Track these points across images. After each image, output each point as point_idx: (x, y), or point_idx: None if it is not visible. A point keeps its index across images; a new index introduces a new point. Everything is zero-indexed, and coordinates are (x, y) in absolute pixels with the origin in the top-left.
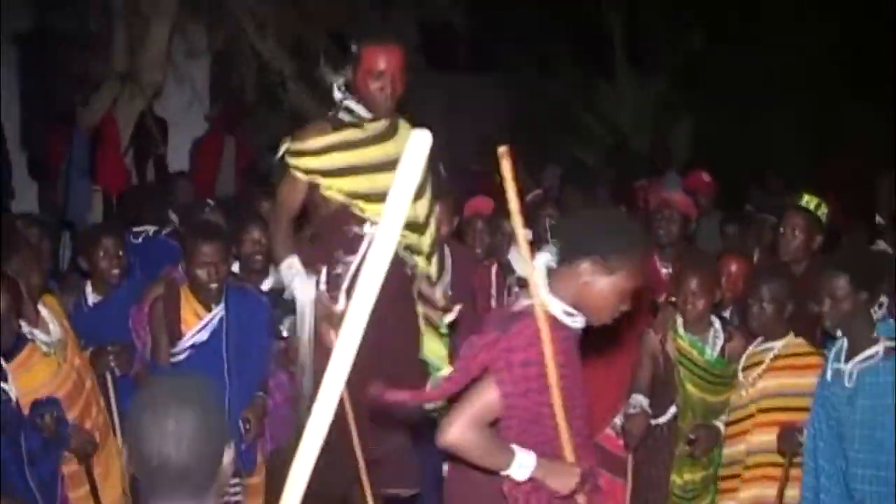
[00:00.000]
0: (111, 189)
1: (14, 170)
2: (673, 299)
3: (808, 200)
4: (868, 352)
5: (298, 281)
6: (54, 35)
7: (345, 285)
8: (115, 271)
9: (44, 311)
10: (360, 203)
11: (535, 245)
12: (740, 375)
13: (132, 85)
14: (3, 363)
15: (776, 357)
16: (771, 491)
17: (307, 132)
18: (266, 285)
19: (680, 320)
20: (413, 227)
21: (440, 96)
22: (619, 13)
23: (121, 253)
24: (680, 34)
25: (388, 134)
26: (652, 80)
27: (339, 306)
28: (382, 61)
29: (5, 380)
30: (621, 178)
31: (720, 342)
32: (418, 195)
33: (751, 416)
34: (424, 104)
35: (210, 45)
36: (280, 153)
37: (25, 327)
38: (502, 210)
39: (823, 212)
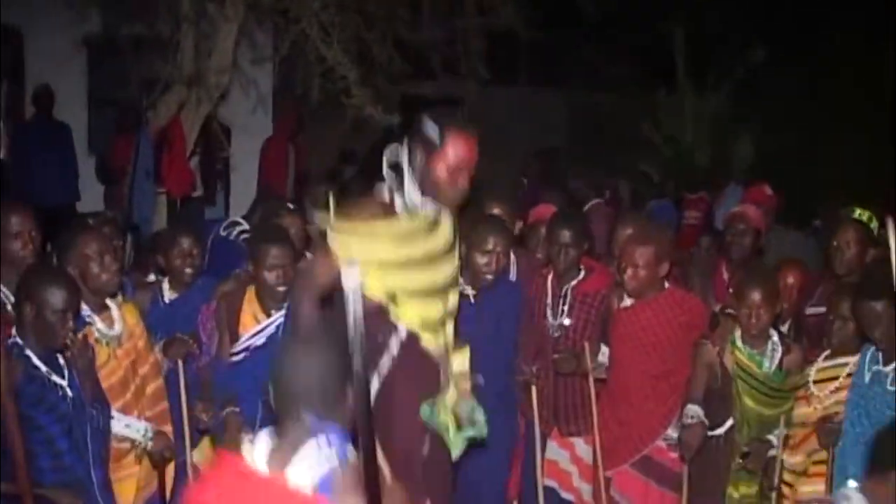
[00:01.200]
0: (176, 192)
1: (81, 172)
2: (731, 311)
3: (861, 213)
4: None
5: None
6: (122, 39)
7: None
8: (189, 270)
9: (113, 307)
10: (394, 296)
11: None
12: (812, 388)
13: (199, 89)
14: (61, 358)
15: (850, 374)
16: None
17: (357, 211)
18: None
19: (738, 332)
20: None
21: (502, 107)
22: (680, 27)
23: (195, 252)
24: (741, 49)
25: (433, 225)
26: (713, 94)
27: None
28: (467, 152)
29: (63, 376)
30: (682, 190)
31: (778, 355)
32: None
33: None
34: (487, 115)
35: (275, 51)
36: (321, 222)
37: (87, 310)
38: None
39: (876, 225)
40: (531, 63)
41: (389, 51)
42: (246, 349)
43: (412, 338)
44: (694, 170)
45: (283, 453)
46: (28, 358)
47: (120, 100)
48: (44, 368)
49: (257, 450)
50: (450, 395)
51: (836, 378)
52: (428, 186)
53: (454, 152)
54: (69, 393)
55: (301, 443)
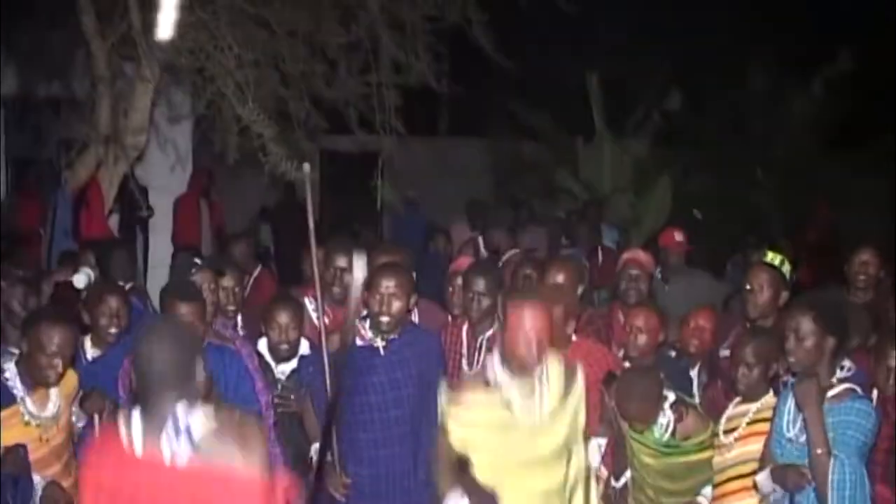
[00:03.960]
0: None
1: None
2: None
3: (773, 257)
4: (832, 391)
5: None
6: (39, 99)
7: None
8: (114, 329)
9: (52, 389)
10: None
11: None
12: (722, 437)
13: (116, 148)
14: None
15: (753, 421)
16: None
17: (464, 388)
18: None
19: None
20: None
21: (422, 160)
22: (595, 74)
23: (122, 312)
24: (658, 97)
25: (532, 391)
26: (632, 140)
27: None
28: (529, 321)
29: None
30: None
31: (669, 423)
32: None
33: (731, 479)
34: (406, 168)
35: (192, 110)
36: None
37: (20, 391)
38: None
39: (788, 268)
40: (450, 114)
41: (306, 107)
42: None
43: None
44: (612, 217)
45: (152, 432)
46: None
47: (37, 159)
48: None
49: (133, 430)
50: None
51: (738, 428)
52: (508, 359)
53: (517, 322)
54: None
55: (164, 422)
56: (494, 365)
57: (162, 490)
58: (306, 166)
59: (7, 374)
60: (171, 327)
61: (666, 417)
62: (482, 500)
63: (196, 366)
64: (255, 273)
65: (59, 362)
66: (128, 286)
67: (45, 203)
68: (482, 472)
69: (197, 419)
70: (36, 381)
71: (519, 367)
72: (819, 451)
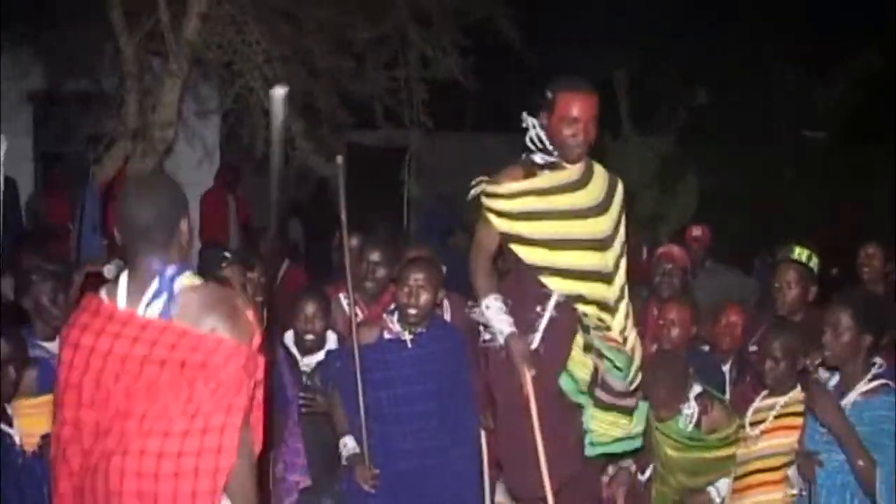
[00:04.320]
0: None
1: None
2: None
3: (800, 252)
4: (865, 386)
5: (499, 319)
6: (67, 94)
7: (538, 332)
8: None
9: None
10: (543, 254)
11: None
12: (748, 429)
13: (144, 143)
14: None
15: (780, 415)
16: None
17: (501, 175)
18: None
19: None
20: (599, 278)
21: (448, 154)
22: (622, 71)
23: None
24: (684, 92)
25: (580, 182)
26: (656, 138)
27: (534, 345)
28: (576, 108)
29: (10, 424)
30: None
31: (694, 415)
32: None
33: (755, 472)
34: (433, 162)
35: (220, 104)
36: (474, 193)
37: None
38: None
39: (816, 263)
40: (476, 109)
41: (334, 102)
42: None
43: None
44: (638, 213)
45: (134, 290)
46: None
47: (65, 154)
48: None
49: (119, 289)
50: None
51: (765, 420)
52: (553, 144)
53: (563, 108)
54: (17, 441)
55: (146, 281)
56: (537, 156)
57: (138, 344)
58: (339, 159)
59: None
60: (156, 181)
61: (691, 409)
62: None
63: (180, 221)
64: (284, 269)
65: (10, 369)
66: None
67: (74, 198)
68: (529, 256)
69: (181, 279)
70: None
71: (567, 153)
72: (861, 463)
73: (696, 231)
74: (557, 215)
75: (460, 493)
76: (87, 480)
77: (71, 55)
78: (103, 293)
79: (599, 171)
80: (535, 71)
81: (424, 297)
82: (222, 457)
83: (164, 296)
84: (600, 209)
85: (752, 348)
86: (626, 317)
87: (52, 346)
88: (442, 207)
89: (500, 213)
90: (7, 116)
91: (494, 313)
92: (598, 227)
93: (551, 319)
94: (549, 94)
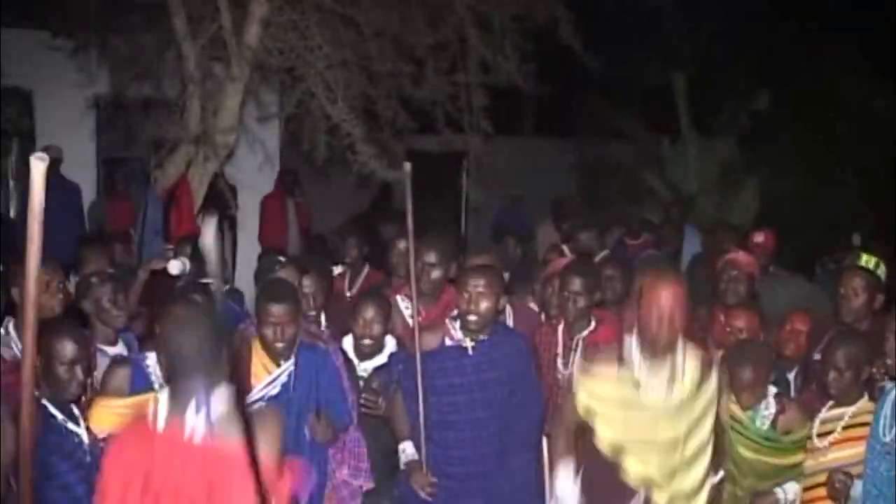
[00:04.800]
0: None
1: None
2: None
3: (867, 260)
4: None
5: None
6: (130, 100)
7: None
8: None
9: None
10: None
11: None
12: (815, 441)
13: (205, 148)
14: (75, 408)
15: (849, 426)
16: None
17: (602, 356)
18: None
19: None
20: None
21: (507, 159)
22: (682, 75)
23: None
24: (744, 96)
25: (670, 377)
26: (718, 141)
27: None
28: (662, 302)
29: (78, 424)
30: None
31: (771, 413)
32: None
33: (822, 484)
34: (492, 167)
35: (281, 109)
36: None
37: (158, 380)
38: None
39: (883, 271)
40: (536, 114)
41: (394, 107)
42: (261, 398)
43: None
44: (698, 218)
45: (176, 410)
46: (45, 407)
47: (128, 160)
48: (60, 417)
49: (159, 409)
50: None
51: (834, 431)
52: (643, 339)
53: (650, 301)
54: (85, 441)
55: (188, 401)
56: (630, 344)
57: (177, 464)
58: (407, 166)
59: (148, 362)
60: (200, 313)
61: (769, 408)
62: (597, 468)
63: (222, 351)
64: (364, 272)
65: (78, 369)
66: (225, 288)
67: (136, 202)
68: (603, 443)
69: (217, 401)
70: (56, 393)
71: (652, 347)
72: None
73: (759, 237)
74: (642, 412)
75: (517, 499)
76: None
77: (134, 61)
78: (148, 410)
79: (693, 362)
80: (593, 75)
81: (485, 304)
82: None
83: (203, 416)
84: (685, 407)
85: (817, 356)
86: None
87: (112, 350)
88: (513, 211)
89: (591, 396)
90: (70, 122)
91: (560, 486)
92: (678, 427)
93: None
94: (638, 285)
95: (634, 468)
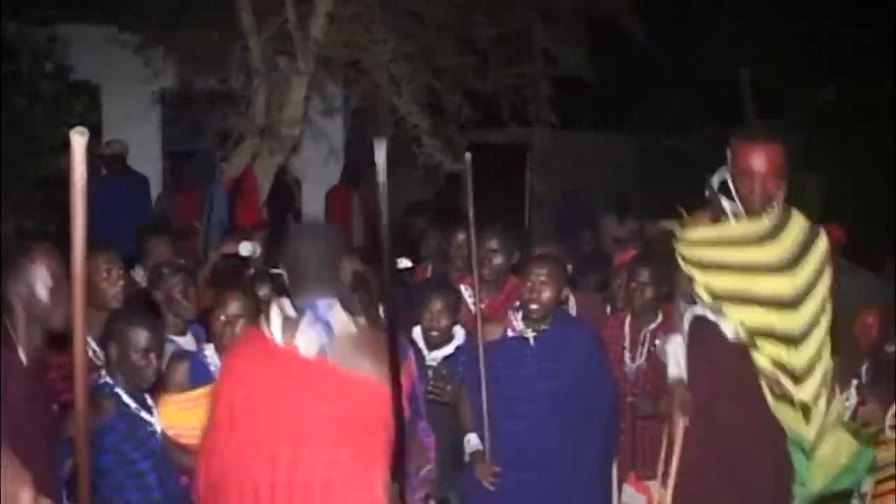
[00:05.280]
0: None
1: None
2: None
3: None
4: None
5: (673, 360)
6: (196, 93)
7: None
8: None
9: None
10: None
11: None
12: (888, 432)
13: (271, 141)
14: (149, 397)
15: None
16: None
17: (692, 220)
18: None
19: None
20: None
21: (569, 152)
22: (747, 68)
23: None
24: (811, 89)
25: (770, 235)
26: (782, 133)
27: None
28: (753, 161)
29: (151, 413)
30: None
31: (852, 404)
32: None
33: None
34: (555, 160)
35: (346, 103)
36: (675, 236)
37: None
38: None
39: None
40: (597, 106)
41: (459, 99)
42: None
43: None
44: None
45: (291, 326)
46: (118, 395)
47: (193, 152)
48: (133, 405)
49: (273, 323)
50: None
51: None
52: (737, 196)
53: (741, 161)
54: (157, 429)
55: (305, 315)
56: (725, 203)
57: (293, 379)
58: (467, 157)
59: (207, 353)
60: (320, 227)
61: (850, 399)
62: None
63: (341, 265)
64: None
65: (153, 357)
66: None
67: (202, 195)
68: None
69: (336, 317)
70: (130, 381)
71: (747, 206)
72: None
73: (833, 231)
74: (740, 269)
75: (583, 493)
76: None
77: (200, 55)
78: (262, 324)
79: (797, 223)
80: (657, 67)
81: (547, 294)
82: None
83: (321, 331)
84: (790, 266)
85: (890, 349)
86: (821, 385)
87: (183, 340)
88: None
89: (685, 259)
90: (137, 116)
91: (671, 353)
92: (783, 285)
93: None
94: (730, 149)
95: (749, 323)
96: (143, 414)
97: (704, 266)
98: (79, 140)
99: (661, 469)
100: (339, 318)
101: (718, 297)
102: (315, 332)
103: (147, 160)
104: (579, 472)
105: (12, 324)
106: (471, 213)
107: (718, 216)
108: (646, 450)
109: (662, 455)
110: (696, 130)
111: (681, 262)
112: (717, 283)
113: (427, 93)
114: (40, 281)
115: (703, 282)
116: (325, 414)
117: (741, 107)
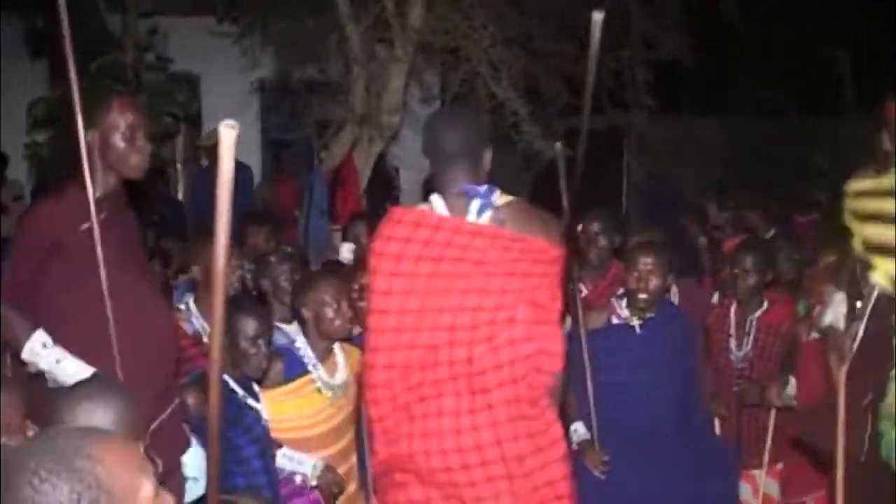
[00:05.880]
0: None
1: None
2: None
3: None
4: None
5: (833, 310)
6: (294, 82)
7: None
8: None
9: (339, 354)
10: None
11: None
12: None
13: (370, 129)
14: (255, 384)
15: None
16: None
17: (859, 174)
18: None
19: None
20: None
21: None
22: (846, 52)
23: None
24: None
25: None
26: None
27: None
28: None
29: (258, 400)
30: None
31: None
32: None
33: None
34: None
35: (444, 90)
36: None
37: (311, 357)
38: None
39: None
40: (693, 91)
41: (557, 85)
42: None
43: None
44: None
45: (455, 208)
46: (225, 382)
47: (293, 141)
48: (240, 392)
49: (435, 205)
50: None
51: None
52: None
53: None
54: (263, 416)
55: (466, 199)
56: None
57: (470, 251)
58: (558, 145)
59: (298, 344)
60: (459, 112)
61: None
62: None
63: (484, 150)
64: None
65: (261, 345)
66: None
67: (302, 184)
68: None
69: (497, 195)
70: (239, 369)
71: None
72: None
73: None
74: (889, 220)
75: (688, 480)
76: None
77: (298, 44)
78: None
79: None
80: (754, 52)
81: (654, 282)
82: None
83: (490, 210)
84: None
85: None
86: None
87: (289, 328)
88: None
89: (848, 212)
90: (236, 106)
91: (834, 306)
92: None
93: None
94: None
95: None
96: (250, 401)
97: (860, 217)
98: (229, 134)
99: (766, 458)
100: (497, 194)
101: (872, 249)
102: (481, 207)
103: (247, 150)
104: (687, 457)
105: (91, 166)
106: (565, 202)
107: (882, 169)
108: (750, 439)
109: (768, 444)
110: (793, 116)
111: (846, 217)
112: (874, 233)
113: (526, 79)
114: (117, 131)
115: (859, 233)
116: (503, 271)
117: (840, 92)
